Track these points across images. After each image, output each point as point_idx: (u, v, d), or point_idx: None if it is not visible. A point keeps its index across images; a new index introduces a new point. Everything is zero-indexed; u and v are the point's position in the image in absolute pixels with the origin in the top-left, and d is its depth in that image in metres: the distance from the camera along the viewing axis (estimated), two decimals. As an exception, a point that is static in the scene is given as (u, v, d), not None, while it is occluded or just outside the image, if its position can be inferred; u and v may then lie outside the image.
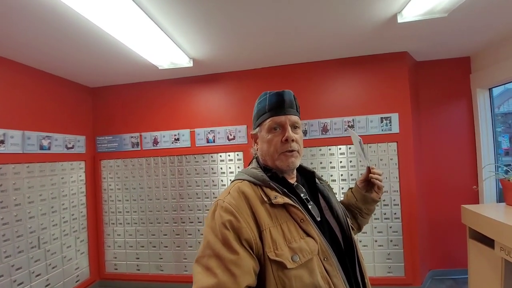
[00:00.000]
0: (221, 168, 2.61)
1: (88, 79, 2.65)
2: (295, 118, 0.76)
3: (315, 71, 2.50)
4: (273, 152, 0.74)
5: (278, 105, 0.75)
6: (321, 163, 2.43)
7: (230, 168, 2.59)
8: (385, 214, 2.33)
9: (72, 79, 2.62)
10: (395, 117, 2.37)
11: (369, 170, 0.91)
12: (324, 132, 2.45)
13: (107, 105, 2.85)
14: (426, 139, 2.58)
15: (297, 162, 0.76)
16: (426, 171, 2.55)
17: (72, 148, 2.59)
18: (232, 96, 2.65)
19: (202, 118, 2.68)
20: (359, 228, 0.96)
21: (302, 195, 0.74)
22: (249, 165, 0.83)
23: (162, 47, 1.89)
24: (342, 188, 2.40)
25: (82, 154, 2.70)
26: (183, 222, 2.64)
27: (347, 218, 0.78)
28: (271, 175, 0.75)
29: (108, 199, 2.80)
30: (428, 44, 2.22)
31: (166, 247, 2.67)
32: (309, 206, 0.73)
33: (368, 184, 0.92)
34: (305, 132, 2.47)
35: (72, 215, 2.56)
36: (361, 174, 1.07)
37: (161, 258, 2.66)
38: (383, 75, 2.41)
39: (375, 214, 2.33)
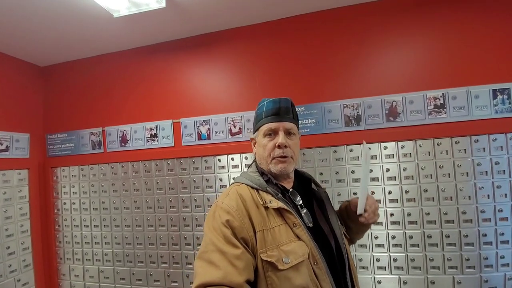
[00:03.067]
0: (221, 179, 1.67)
1: (30, 50, 1.82)
2: (289, 125, 0.78)
3: (371, 17, 1.51)
4: (267, 156, 0.77)
5: (274, 112, 0.77)
6: (387, 170, 1.43)
7: (234, 179, 1.65)
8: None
9: (7, 52, 1.80)
10: (519, 87, 1.34)
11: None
12: (391, 118, 1.45)
13: (61, 90, 2.01)
14: None
15: (290, 167, 0.77)
16: None
17: (5, 150, 1.77)
18: (237, 66, 1.71)
19: (191, 102, 1.76)
20: (351, 241, 0.92)
21: (296, 201, 0.76)
22: (248, 168, 0.85)
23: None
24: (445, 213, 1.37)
25: (23, 159, 1.88)
26: (164, 263, 1.72)
27: (341, 226, 0.80)
28: (267, 180, 0.77)
29: (63, 224, 1.95)
30: None
31: (141, 299, 1.76)
32: (302, 213, 0.74)
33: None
34: (358, 119, 1.49)
35: (8, 248, 1.73)
36: None
37: (134, 316, 1.76)
38: (491, 17, 1.39)
39: None
